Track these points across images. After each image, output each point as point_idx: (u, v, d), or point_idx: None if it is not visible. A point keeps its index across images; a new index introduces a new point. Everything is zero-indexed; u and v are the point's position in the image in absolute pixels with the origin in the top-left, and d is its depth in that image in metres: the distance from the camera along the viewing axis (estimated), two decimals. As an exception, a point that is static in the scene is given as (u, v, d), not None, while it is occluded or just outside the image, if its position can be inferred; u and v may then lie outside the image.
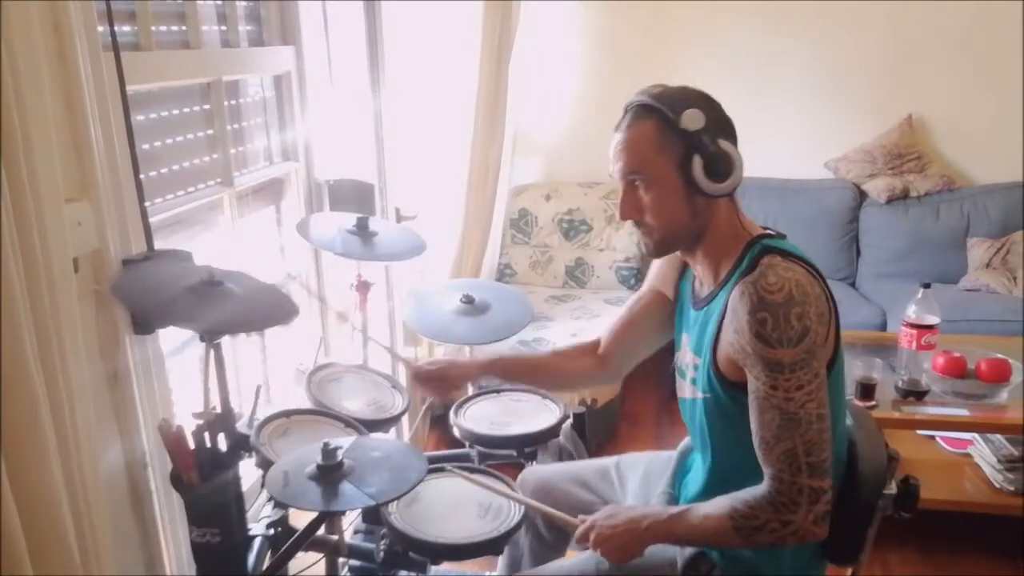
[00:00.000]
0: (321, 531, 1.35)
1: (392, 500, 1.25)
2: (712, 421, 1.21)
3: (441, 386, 1.48)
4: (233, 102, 1.77)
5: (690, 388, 1.26)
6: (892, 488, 1.25)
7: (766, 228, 1.21)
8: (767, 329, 1.05)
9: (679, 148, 1.12)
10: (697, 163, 1.11)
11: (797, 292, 1.05)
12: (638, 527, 1.17)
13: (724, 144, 1.12)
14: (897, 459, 1.27)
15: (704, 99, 1.16)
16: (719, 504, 1.14)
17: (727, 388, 1.15)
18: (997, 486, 2.18)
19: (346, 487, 1.12)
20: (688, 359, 1.26)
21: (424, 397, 1.64)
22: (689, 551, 1.23)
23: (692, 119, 1.11)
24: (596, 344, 1.50)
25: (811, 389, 1.06)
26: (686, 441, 1.42)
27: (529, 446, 1.64)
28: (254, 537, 1.35)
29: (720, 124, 1.14)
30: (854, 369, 1.99)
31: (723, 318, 1.13)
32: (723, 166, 1.12)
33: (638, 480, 1.44)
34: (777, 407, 1.07)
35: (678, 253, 1.26)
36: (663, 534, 1.18)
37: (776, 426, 1.07)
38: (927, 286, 2.06)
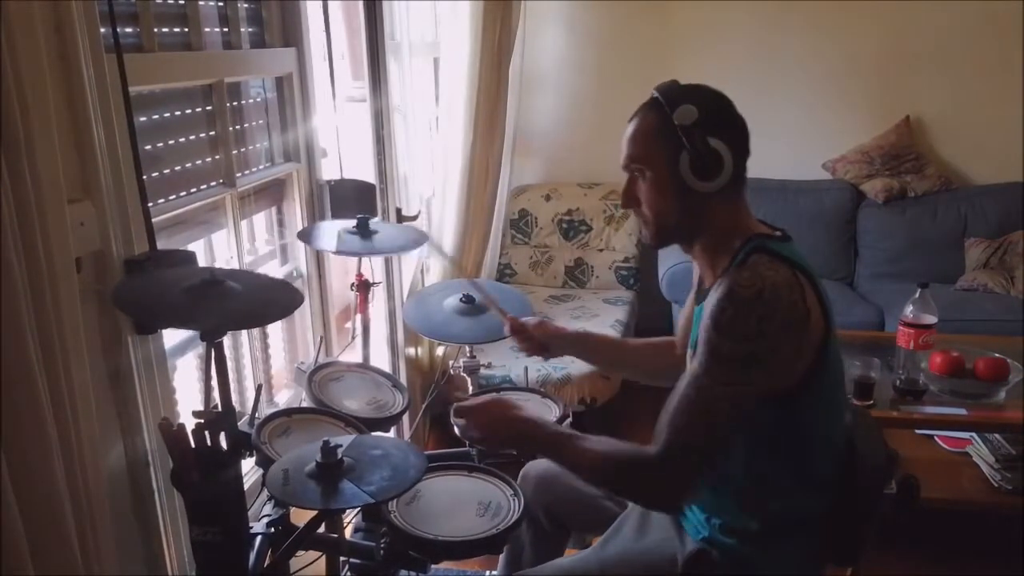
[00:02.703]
0: (321, 529, 1.36)
1: (391, 498, 1.25)
2: None
3: (533, 341, 1.53)
4: (235, 103, 1.77)
5: None
6: (892, 488, 1.26)
7: (775, 229, 1.20)
8: (723, 317, 1.06)
9: (672, 143, 1.13)
10: (684, 159, 1.12)
11: (769, 295, 1.05)
12: (507, 414, 1.23)
13: (715, 143, 1.12)
14: (897, 459, 1.28)
15: (711, 97, 1.16)
16: (602, 446, 1.15)
17: None
18: (995, 485, 2.19)
19: (346, 485, 1.13)
20: (688, 353, 1.27)
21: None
22: (690, 549, 1.24)
23: (684, 115, 1.12)
24: (672, 343, 1.51)
25: (736, 391, 1.06)
26: None
27: (529, 445, 1.64)
28: (255, 535, 1.35)
29: (717, 123, 1.13)
30: (852, 368, 1.99)
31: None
32: (710, 165, 1.12)
33: None
34: (700, 392, 1.07)
35: None
36: (531, 437, 1.22)
37: (689, 409, 1.08)
38: (925, 286, 2.06)
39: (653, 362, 1.54)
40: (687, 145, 1.12)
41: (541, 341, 1.53)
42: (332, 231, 1.72)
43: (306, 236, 1.74)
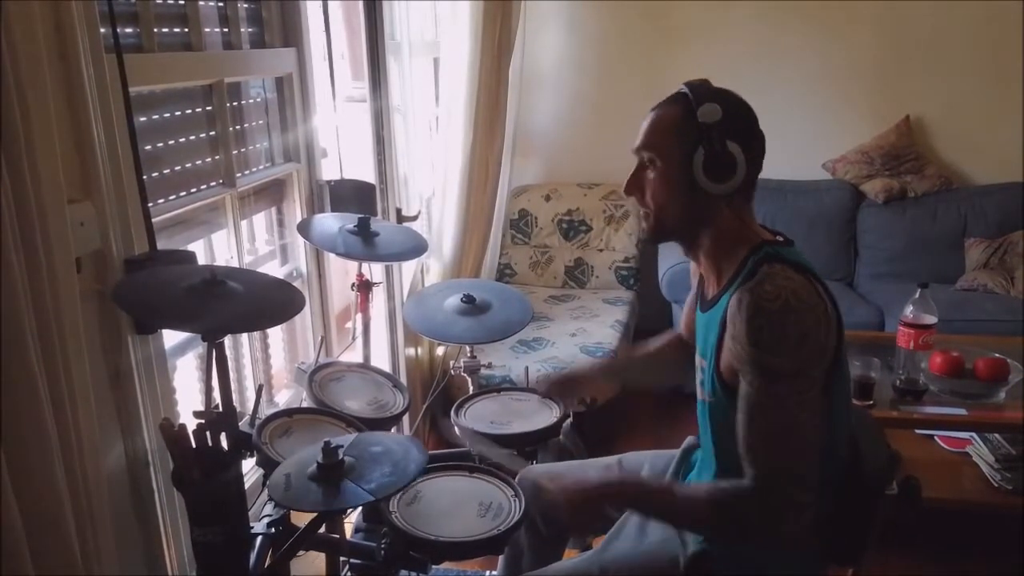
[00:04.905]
0: (322, 529, 1.36)
1: (391, 494, 1.25)
2: (717, 425, 1.21)
3: (569, 390, 1.58)
4: (235, 103, 1.77)
5: (699, 389, 1.26)
6: (893, 489, 1.26)
7: (777, 234, 1.20)
8: (764, 336, 1.05)
9: (690, 138, 1.13)
10: (699, 156, 1.12)
11: (794, 301, 1.05)
12: (587, 489, 1.17)
13: (732, 146, 1.11)
14: (899, 460, 1.28)
15: (737, 104, 1.16)
16: (700, 490, 1.14)
17: (729, 395, 1.15)
18: (995, 485, 2.19)
19: (347, 485, 1.13)
20: (697, 360, 1.26)
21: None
22: (692, 550, 1.23)
23: (708, 112, 1.11)
24: (679, 335, 1.51)
25: (807, 398, 1.06)
26: (689, 440, 1.43)
27: (529, 445, 1.64)
28: (255, 536, 1.35)
29: (739, 127, 1.13)
30: (852, 368, 1.99)
31: (724, 324, 1.13)
32: (724, 166, 1.12)
33: None
34: (770, 415, 1.06)
35: None
36: (625, 499, 1.19)
37: (768, 433, 1.07)
38: (925, 286, 2.06)
39: (674, 359, 1.52)
40: (705, 143, 1.11)
41: (573, 387, 1.57)
42: (332, 225, 1.72)
43: (305, 228, 1.73)
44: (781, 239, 1.19)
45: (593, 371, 1.63)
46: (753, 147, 1.14)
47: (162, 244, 1.34)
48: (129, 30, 1.38)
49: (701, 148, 1.12)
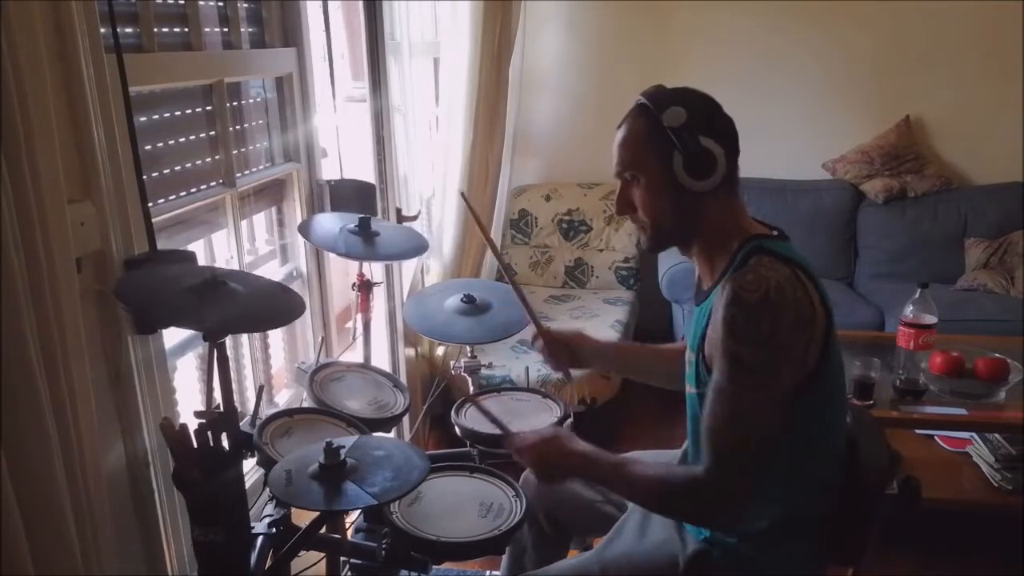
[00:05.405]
0: (323, 530, 1.36)
1: (394, 499, 1.26)
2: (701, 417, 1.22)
3: (564, 355, 1.51)
4: (235, 103, 1.77)
5: (687, 383, 1.27)
6: (893, 488, 1.26)
7: (773, 229, 1.21)
8: (737, 326, 1.06)
9: (663, 146, 1.14)
10: (677, 159, 1.13)
11: (775, 295, 1.05)
12: (562, 448, 1.24)
13: (706, 141, 1.12)
14: (899, 460, 1.28)
15: (697, 99, 1.16)
16: (655, 470, 1.19)
17: None
18: (995, 485, 2.19)
19: (348, 486, 1.13)
20: (687, 354, 1.27)
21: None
22: (691, 549, 1.24)
23: (673, 116, 1.13)
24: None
25: (768, 393, 1.07)
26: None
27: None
28: (256, 536, 1.35)
29: (706, 122, 1.14)
30: (852, 368, 1.99)
31: (710, 314, 1.14)
32: (704, 163, 1.13)
33: None
34: (729, 402, 1.08)
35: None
36: (585, 469, 1.25)
37: (723, 420, 1.09)
38: (925, 286, 2.07)
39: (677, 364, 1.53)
40: (679, 146, 1.12)
41: (575, 354, 1.50)
42: (333, 225, 1.72)
43: (305, 228, 1.74)
44: (776, 233, 1.20)
45: (596, 346, 1.52)
46: (726, 136, 1.15)
47: (162, 244, 1.34)
48: (129, 30, 1.38)
49: (677, 152, 1.13)
